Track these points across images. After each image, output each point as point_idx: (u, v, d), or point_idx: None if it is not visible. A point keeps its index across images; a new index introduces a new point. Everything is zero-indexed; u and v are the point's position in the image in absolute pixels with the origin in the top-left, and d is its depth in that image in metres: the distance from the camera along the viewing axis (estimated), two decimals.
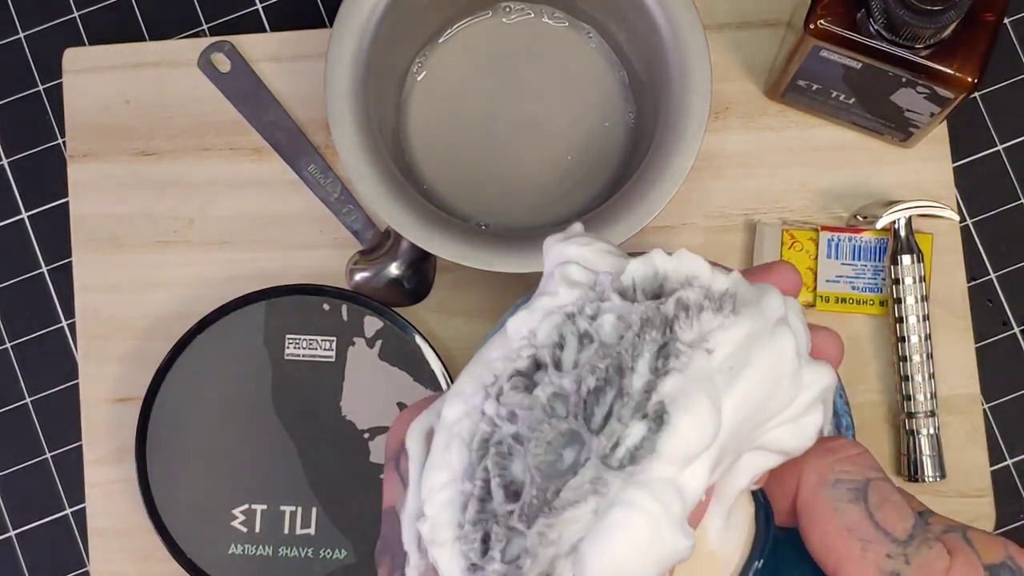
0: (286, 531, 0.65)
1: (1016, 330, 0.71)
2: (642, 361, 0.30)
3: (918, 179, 0.70)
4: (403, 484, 0.33)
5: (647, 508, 0.28)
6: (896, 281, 0.66)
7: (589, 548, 0.28)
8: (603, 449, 0.29)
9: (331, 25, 0.65)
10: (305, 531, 0.65)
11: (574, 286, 0.31)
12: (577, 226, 0.34)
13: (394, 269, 0.70)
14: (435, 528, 0.30)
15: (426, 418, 0.32)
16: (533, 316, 0.31)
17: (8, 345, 0.73)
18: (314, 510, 0.65)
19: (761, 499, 0.34)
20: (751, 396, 0.30)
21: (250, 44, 0.71)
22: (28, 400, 0.72)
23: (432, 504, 0.30)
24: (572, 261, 0.32)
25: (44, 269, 0.73)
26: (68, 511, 0.71)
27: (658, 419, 0.29)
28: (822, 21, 0.59)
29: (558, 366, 0.30)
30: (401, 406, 0.65)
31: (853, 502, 0.33)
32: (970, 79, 0.58)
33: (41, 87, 0.75)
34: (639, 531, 0.28)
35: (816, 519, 0.33)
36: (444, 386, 0.65)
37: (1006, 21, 0.73)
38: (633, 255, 0.33)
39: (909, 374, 0.66)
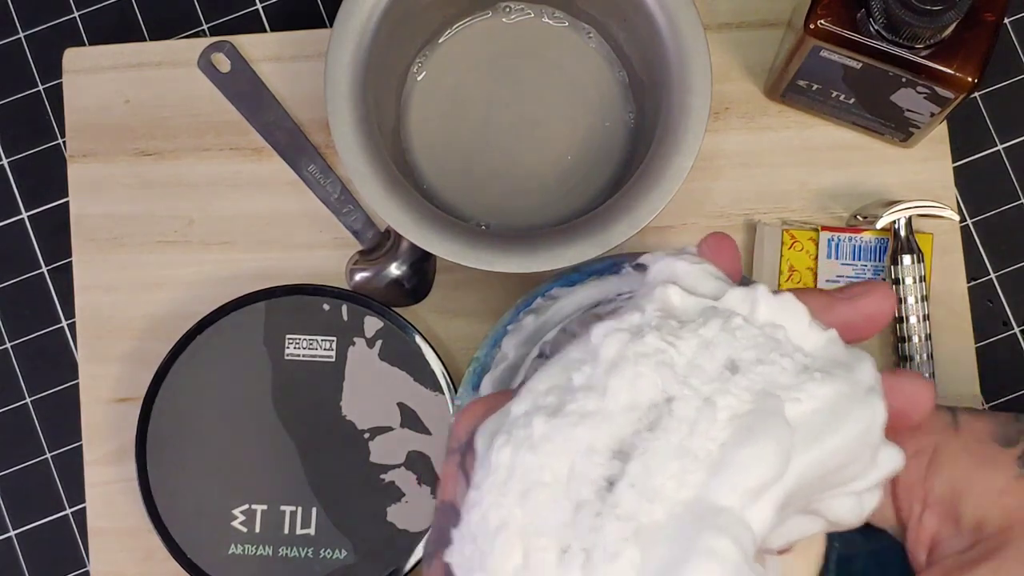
0: (286, 531, 0.65)
1: (1016, 330, 0.71)
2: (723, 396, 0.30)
3: (918, 179, 0.70)
4: (466, 481, 0.33)
5: (728, 556, 0.28)
6: (896, 281, 0.66)
7: None
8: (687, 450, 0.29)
9: (331, 25, 0.65)
10: (305, 531, 0.65)
11: (666, 310, 0.31)
12: (691, 247, 0.34)
13: (394, 269, 0.70)
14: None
15: (498, 419, 0.32)
16: (620, 326, 0.31)
17: (8, 345, 0.73)
18: (314, 510, 0.65)
19: (835, 542, 0.35)
20: (830, 457, 0.30)
21: (250, 44, 0.71)
22: (28, 400, 0.72)
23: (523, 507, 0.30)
24: (675, 283, 0.32)
25: (44, 269, 0.73)
26: (68, 511, 0.71)
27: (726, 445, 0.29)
28: (822, 21, 0.59)
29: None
30: (401, 406, 0.65)
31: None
32: (970, 79, 0.58)
33: (41, 87, 0.75)
34: None
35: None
36: (444, 386, 0.65)
37: (1006, 21, 0.73)
38: (742, 282, 0.33)
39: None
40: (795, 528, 0.32)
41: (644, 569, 0.28)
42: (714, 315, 0.31)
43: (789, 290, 0.33)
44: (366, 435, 0.65)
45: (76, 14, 0.76)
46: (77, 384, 0.71)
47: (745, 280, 0.33)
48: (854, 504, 0.32)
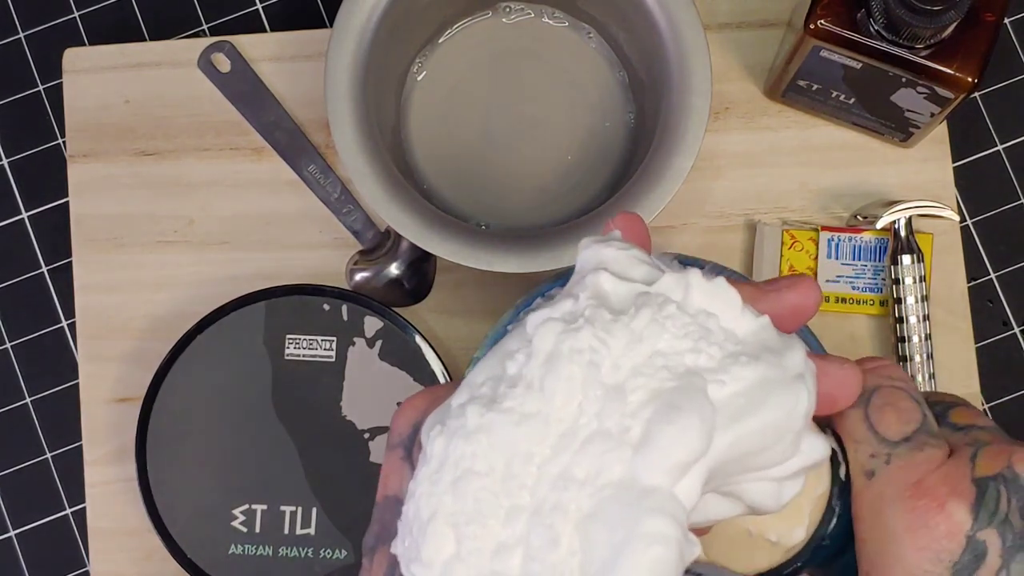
0: (286, 531, 0.65)
1: (1016, 330, 0.71)
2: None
3: (918, 179, 0.70)
4: (412, 474, 0.33)
5: (669, 535, 0.28)
6: (896, 281, 0.66)
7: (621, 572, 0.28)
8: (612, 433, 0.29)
9: (331, 25, 0.65)
10: (305, 531, 0.65)
11: (598, 297, 0.31)
12: (616, 232, 0.34)
13: (394, 269, 0.70)
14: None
15: (440, 413, 0.32)
16: (553, 314, 0.31)
17: (8, 345, 0.73)
18: (314, 510, 0.65)
19: (841, 478, 0.34)
20: (749, 438, 0.30)
21: (250, 44, 0.71)
22: (28, 400, 0.72)
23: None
24: (605, 269, 0.32)
25: (44, 269, 0.73)
26: (68, 511, 0.71)
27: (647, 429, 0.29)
28: (822, 21, 0.59)
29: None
30: None
31: (855, 407, 0.34)
32: (970, 79, 0.58)
33: (41, 87, 0.75)
34: (665, 560, 0.28)
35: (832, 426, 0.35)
36: None
37: (1006, 21, 0.73)
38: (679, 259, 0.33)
39: (909, 374, 0.66)
40: (713, 509, 0.32)
41: (587, 555, 0.28)
42: (646, 303, 0.31)
43: (720, 275, 0.33)
44: (366, 435, 0.65)
45: (76, 14, 0.76)
46: (77, 384, 0.71)
47: (676, 265, 0.33)
48: (773, 490, 0.31)
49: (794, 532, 0.35)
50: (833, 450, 0.35)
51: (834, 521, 0.35)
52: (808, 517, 0.35)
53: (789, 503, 0.32)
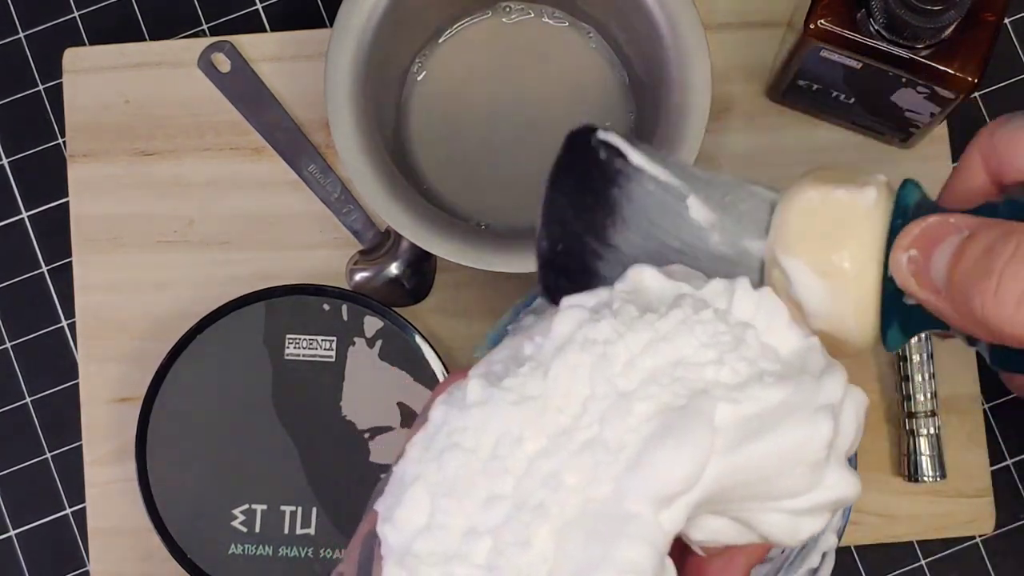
0: (286, 531, 0.65)
1: None
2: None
3: (918, 179, 0.69)
4: None
5: (643, 566, 0.27)
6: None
7: None
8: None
9: (331, 25, 0.65)
10: (305, 531, 0.65)
11: (636, 292, 0.31)
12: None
13: (394, 269, 0.70)
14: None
15: (458, 383, 0.31)
16: (585, 302, 0.30)
17: (8, 345, 0.73)
18: (314, 510, 0.65)
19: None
20: (757, 464, 0.29)
21: (250, 44, 0.71)
22: (28, 400, 0.72)
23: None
24: (650, 267, 0.31)
25: (44, 269, 0.73)
26: (68, 511, 0.71)
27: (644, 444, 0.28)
28: (822, 21, 0.59)
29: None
30: (401, 406, 0.65)
31: None
32: (970, 79, 0.58)
33: (41, 87, 0.75)
34: None
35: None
36: None
37: (1006, 21, 0.73)
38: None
39: (909, 374, 0.66)
40: (723, 533, 0.31)
41: (558, 565, 0.28)
42: (680, 304, 0.30)
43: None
44: (366, 435, 0.65)
45: (76, 14, 0.76)
46: (77, 384, 0.71)
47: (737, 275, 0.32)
48: (786, 523, 0.30)
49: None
50: None
51: None
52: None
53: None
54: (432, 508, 0.29)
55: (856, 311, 0.33)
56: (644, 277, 0.31)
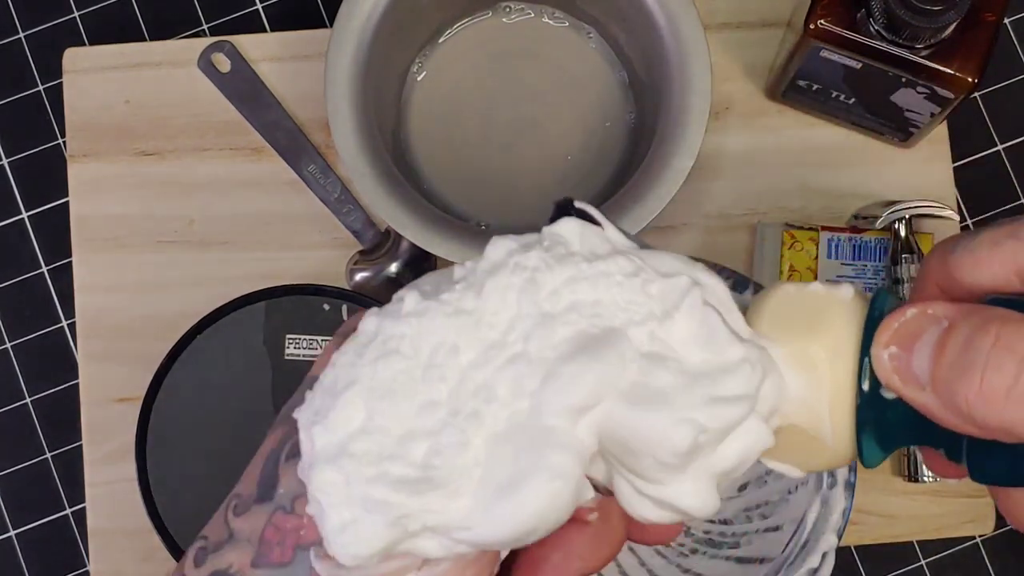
0: None
1: None
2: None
3: (918, 179, 0.70)
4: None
5: (568, 472, 0.29)
6: (896, 281, 0.66)
7: (501, 503, 0.29)
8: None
9: (331, 25, 0.65)
10: None
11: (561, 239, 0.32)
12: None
13: (394, 269, 0.70)
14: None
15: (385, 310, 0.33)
16: (517, 239, 0.32)
17: (8, 345, 0.73)
18: None
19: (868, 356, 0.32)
20: (628, 429, 0.30)
21: (250, 44, 0.71)
22: (28, 400, 0.72)
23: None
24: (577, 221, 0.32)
25: (44, 269, 0.73)
26: (68, 511, 0.71)
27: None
28: (822, 21, 0.59)
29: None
30: None
31: None
32: (970, 79, 0.58)
33: (41, 87, 0.75)
34: (561, 494, 0.29)
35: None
36: None
37: (1006, 21, 0.73)
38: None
39: None
40: (599, 473, 0.32)
41: (489, 468, 0.29)
42: (611, 257, 0.31)
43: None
44: None
45: (76, 14, 0.76)
46: (77, 384, 0.71)
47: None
48: (632, 498, 0.31)
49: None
50: None
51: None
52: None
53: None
54: (368, 411, 0.30)
55: (832, 404, 0.32)
56: (572, 226, 0.32)
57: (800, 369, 0.32)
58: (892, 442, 0.33)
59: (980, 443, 0.31)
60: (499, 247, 0.31)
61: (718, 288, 0.32)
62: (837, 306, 0.33)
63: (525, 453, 0.29)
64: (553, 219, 0.33)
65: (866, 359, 0.32)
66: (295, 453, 0.33)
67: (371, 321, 0.31)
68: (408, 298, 0.30)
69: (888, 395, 0.32)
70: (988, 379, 0.29)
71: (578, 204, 0.33)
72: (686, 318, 0.31)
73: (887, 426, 0.32)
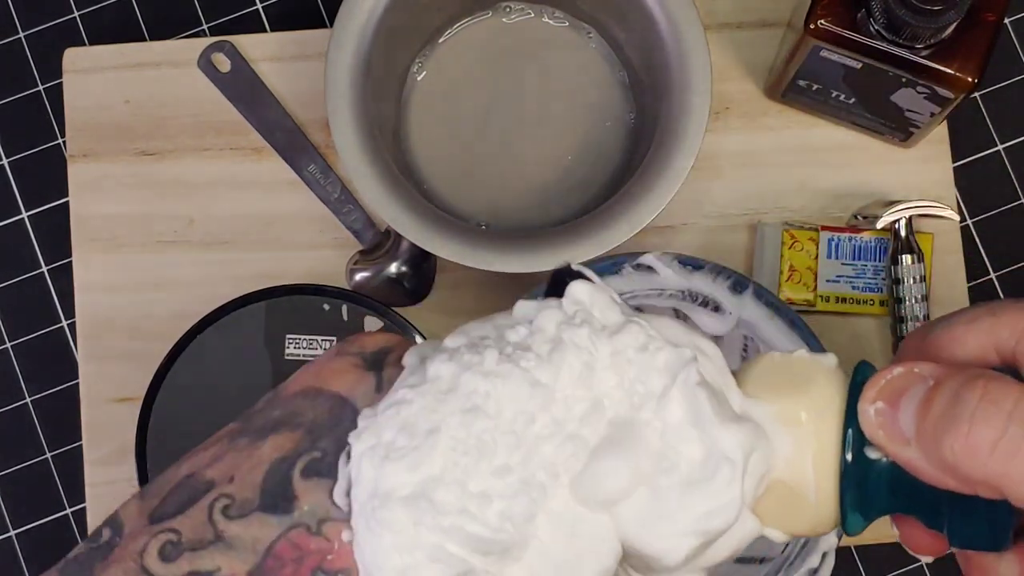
0: None
1: None
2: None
3: (918, 179, 0.70)
4: (375, 383, 0.35)
5: (610, 568, 0.32)
6: (896, 281, 0.66)
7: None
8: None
9: (331, 25, 0.65)
10: None
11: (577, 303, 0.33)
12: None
13: (394, 269, 0.70)
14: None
15: (428, 346, 0.34)
16: (547, 303, 0.33)
17: (8, 345, 0.73)
18: None
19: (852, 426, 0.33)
20: (634, 533, 0.32)
21: (250, 44, 0.71)
22: (28, 400, 0.72)
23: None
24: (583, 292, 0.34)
25: (44, 269, 0.73)
26: (68, 511, 0.71)
27: None
28: (822, 21, 0.59)
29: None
30: None
31: None
32: (970, 79, 0.58)
33: (41, 87, 0.75)
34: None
35: None
36: None
37: (1006, 21, 0.73)
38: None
39: None
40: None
41: (545, 543, 0.31)
42: (634, 328, 0.33)
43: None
44: None
45: (76, 14, 0.76)
46: (77, 384, 0.71)
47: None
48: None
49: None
50: None
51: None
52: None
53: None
54: (449, 462, 0.30)
55: (816, 461, 0.33)
56: (585, 290, 0.34)
57: (787, 427, 0.33)
58: (873, 505, 0.33)
59: (960, 506, 0.31)
60: (548, 317, 0.32)
61: (712, 351, 0.34)
62: (822, 371, 0.34)
63: (579, 540, 0.31)
64: (553, 284, 0.34)
65: (850, 430, 0.32)
66: (318, 472, 0.33)
67: (446, 368, 0.32)
68: (489, 356, 0.31)
69: (872, 455, 0.33)
70: (975, 431, 0.29)
71: (575, 267, 0.35)
72: (681, 398, 0.32)
73: (869, 486, 0.33)
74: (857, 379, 0.33)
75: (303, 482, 0.33)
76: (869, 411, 0.32)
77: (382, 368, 0.36)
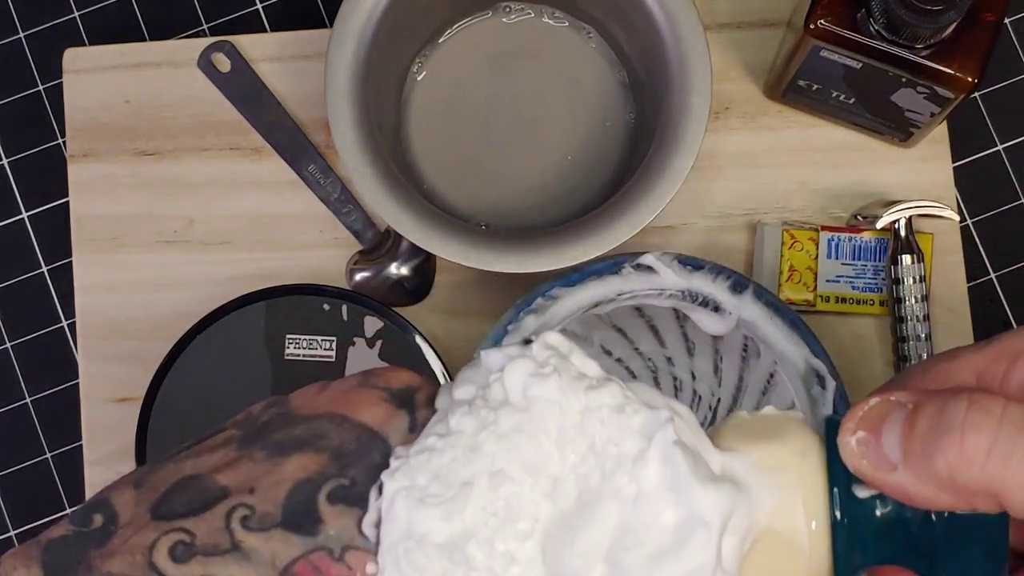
0: None
1: None
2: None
3: (918, 179, 0.70)
4: (408, 420, 0.35)
5: None
6: (896, 281, 0.66)
7: None
8: None
9: (331, 25, 0.65)
10: None
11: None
12: None
13: (394, 269, 0.70)
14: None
15: (454, 389, 0.35)
16: (517, 352, 0.34)
17: (8, 345, 0.73)
18: None
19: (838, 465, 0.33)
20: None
21: (250, 44, 0.71)
22: (28, 400, 0.72)
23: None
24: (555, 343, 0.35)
25: (44, 269, 0.73)
26: (68, 511, 0.71)
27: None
28: (822, 21, 0.59)
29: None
30: None
31: None
32: (970, 79, 0.58)
33: (41, 87, 0.75)
34: None
35: None
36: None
37: (1006, 21, 0.73)
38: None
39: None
40: None
41: None
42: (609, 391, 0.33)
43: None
44: None
45: (76, 14, 0.76)
46: (77, 384, 0.71)
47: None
48: None
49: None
50: None
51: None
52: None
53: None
54: (479, 517, 0.32)
55: (805, 502, 0.32)
56: (559, 338, 0.34)
57: (769, 474, 0.33)
58: (867, 551, 0.32)
59: (952, 546, 0.31)
60: (514, 372, 0.33)
61: (684, 412, 0.34)
62: (794, 420, 0.34)
63: None
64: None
65: (835, 464, 0.32)
66: (345, 499, 0.33)
67: (467, 422, 0.32)
68: (503, 417, 0.32)
69: (861, 493, 0.32)
70: (968, 439, 0.28)
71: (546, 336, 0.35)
72: (657, 459, 0.32)
73: (860, 527, 0.32)
74: (834, 419, 0.32)
75: (329, 507, 0.33)
76: (850, 442, 0.31)
77: (413, 408, 0.36)
